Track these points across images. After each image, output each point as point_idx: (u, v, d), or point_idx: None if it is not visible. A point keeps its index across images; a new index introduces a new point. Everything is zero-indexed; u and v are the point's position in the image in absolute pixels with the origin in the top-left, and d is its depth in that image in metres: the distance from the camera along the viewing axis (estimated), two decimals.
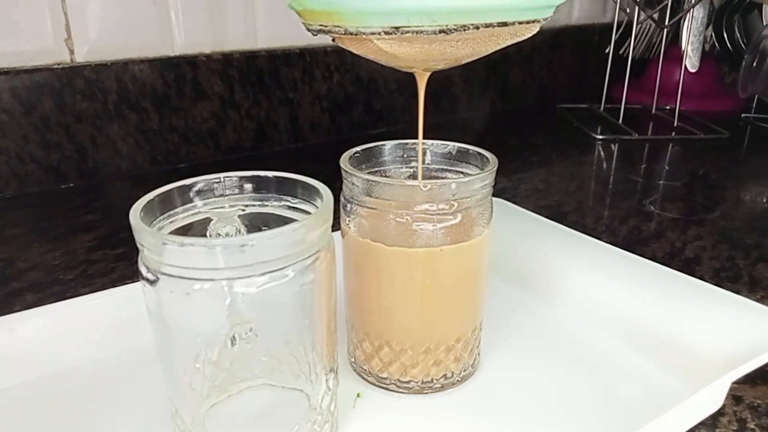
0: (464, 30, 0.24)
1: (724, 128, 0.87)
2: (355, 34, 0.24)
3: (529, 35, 0.27)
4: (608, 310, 0.38)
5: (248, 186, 0.29)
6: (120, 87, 0.64)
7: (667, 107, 0.94)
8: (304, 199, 0.28)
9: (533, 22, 0.26)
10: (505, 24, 0.25)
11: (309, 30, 0.26)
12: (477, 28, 0.24)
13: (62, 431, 0.30)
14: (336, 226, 0.28)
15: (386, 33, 0.24)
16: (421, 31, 0.24)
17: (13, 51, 0.59)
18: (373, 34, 0.24)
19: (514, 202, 0.49)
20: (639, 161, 0.78)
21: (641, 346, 0.36)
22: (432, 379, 0.33)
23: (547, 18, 0.27)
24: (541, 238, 0.45)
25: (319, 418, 0.28)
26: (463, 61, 0.27)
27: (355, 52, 0.26)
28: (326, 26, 0.25)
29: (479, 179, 0.30)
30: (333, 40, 0.26)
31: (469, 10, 0.23)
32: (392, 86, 0.84)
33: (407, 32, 0.24)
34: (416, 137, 0.34)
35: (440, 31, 0.24)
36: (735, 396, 0.33)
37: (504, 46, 0.26)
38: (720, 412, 0.32)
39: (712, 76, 1.01)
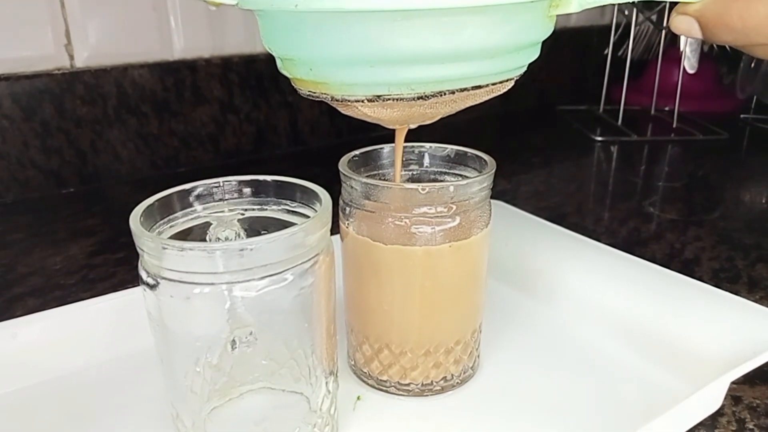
0: (441, 95, 0.26)
1: (723, 129, 0.87)
2: (341, 101, 0.26)
3: (505, 90, 0.28)
4: (608, 312, 0.38)
5: (247, 190, 0.29)
6: (120, 92, 0.65)
7: (666, 108, 0.94)
8: (303, 203, 0.28)
9: (507, 80, 0.27)
10: (479, 87, 0.26)
11: (299, 92, 0.28)
12: (453, 92, 0.26)
13: None
14: (335, 229, 0.28)
15: (369, 100, 0.26)
16: (401, 98, 0.26)
17: (13, 57, 0.59)
18: (357, 101, 0.26)
19: (513, 204, 0.49)
20: (638, 162, 0.78)
21: (640, 347, 0.36)
22: (432, 381, 0.33)
23: (520, 75, 0.28)
24: (541, 240, 0.45)
25: (319, 421, 0.28)
26: (443, 116, 0.29)
27: (343, 112, 0.28)
28: (314, 92, 0.27)
29: (477, 182, 0.31)
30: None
31: (445, 79, 0.25)
32: None
33: (388, 99, 0.26)
34: (415, 140, 0.35)
35: (419, 98, 0.26)
36: (734, 396, 0.33)
37: (481, 101, 0.28)
38: (719, 413, 0.32)
39: (711, 77, 1.01)
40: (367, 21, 0.23)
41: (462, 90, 0.26)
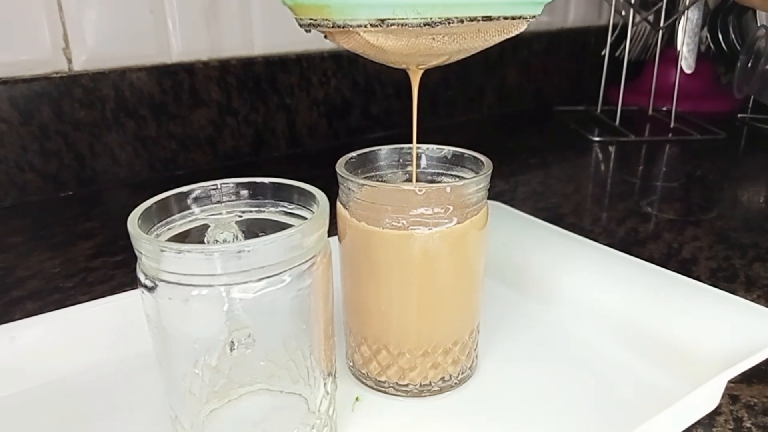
0: (448, 23, 0.25)
1: (721, 129, 0.87)
2: (343, 27, 0.25)
3: (517, 32, 0.27)
4: (605, 312, 0.38)
5: (245, 192, 0.29)
6: (118, 95, 0.65)
7: (664, 108, 0.94)
8: (300, 205, 0.28)
9: (519, 18, 0.26)
10: (489, 18, 0.25)
11: (300, 25, 0.27)
12: (461, 21, 0.25)
13: None
14: (332, 231, 0.28)
15: (372, 25, 0.25)
16: (406, 24, 0.25)
17: (11, 60, 0.59)
18: (359, 26, 0.25)
19: (511, 205, 0.50)
20: (636, 163, 0.78)
21: (638, 347, 0.36)
22: (430, 382, 0.33)
23: (534, 16, 0.27)
24: (538, 241, 0.45)
25: (317, 422, 0.28)
26: (453, 58, 0.28)
27: (346, 47, 0.27)
28: (316, 20, 0.26)
29: (474, 183, 0.31)
30: (325, 36, 0.27)
31: (453, 3, 0.24)
32: (389, 90, 0.84)
33: (392, 24, 0.25)
34: (416, 137, 0.35)
35: (425, 24, 0.24)
36: (731, 395, 0.33)
37: (492, 43, 0.27)
38: (716, 412, 0.32)
39: (708, 77, 1.02)
40: None
41: (471, 19, 0.25)
